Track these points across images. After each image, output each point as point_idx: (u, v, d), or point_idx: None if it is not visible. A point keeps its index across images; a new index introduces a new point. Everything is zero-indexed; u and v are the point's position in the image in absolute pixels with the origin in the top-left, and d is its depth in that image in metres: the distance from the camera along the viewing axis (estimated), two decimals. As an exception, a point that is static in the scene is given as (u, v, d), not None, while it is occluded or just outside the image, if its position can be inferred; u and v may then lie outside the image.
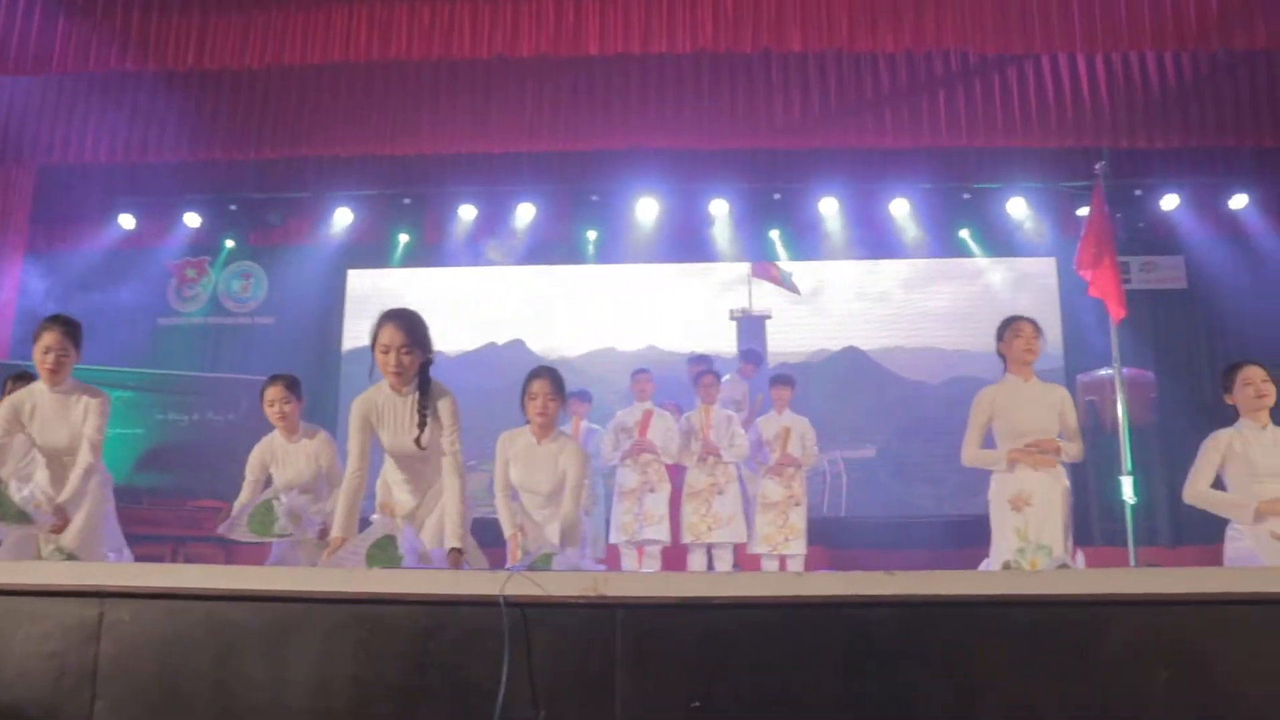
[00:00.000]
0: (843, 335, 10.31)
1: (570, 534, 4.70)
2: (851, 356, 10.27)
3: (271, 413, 5.28)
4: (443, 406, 4.17)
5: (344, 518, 4.06)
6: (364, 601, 2.99)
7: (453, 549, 3.96)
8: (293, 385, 5.33)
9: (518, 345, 10.23)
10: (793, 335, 10.30)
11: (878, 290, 10.41)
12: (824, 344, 10.29)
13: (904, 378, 10.17)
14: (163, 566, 3.19)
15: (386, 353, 4.06)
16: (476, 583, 2.99)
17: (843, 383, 10.18)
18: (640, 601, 2.95)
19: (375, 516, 4.49)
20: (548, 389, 4.71)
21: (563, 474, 4.74)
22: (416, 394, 4.15)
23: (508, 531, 4.72)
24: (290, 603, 3.01)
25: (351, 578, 3.10)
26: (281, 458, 5.32)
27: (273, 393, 5.29)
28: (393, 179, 10.20)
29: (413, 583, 3.04)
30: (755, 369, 8.72)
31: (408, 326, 4.09)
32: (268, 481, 5.35)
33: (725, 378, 8.29)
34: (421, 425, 4.12)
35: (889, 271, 10.41)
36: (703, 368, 7.98)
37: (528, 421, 4.79)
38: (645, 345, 10.21)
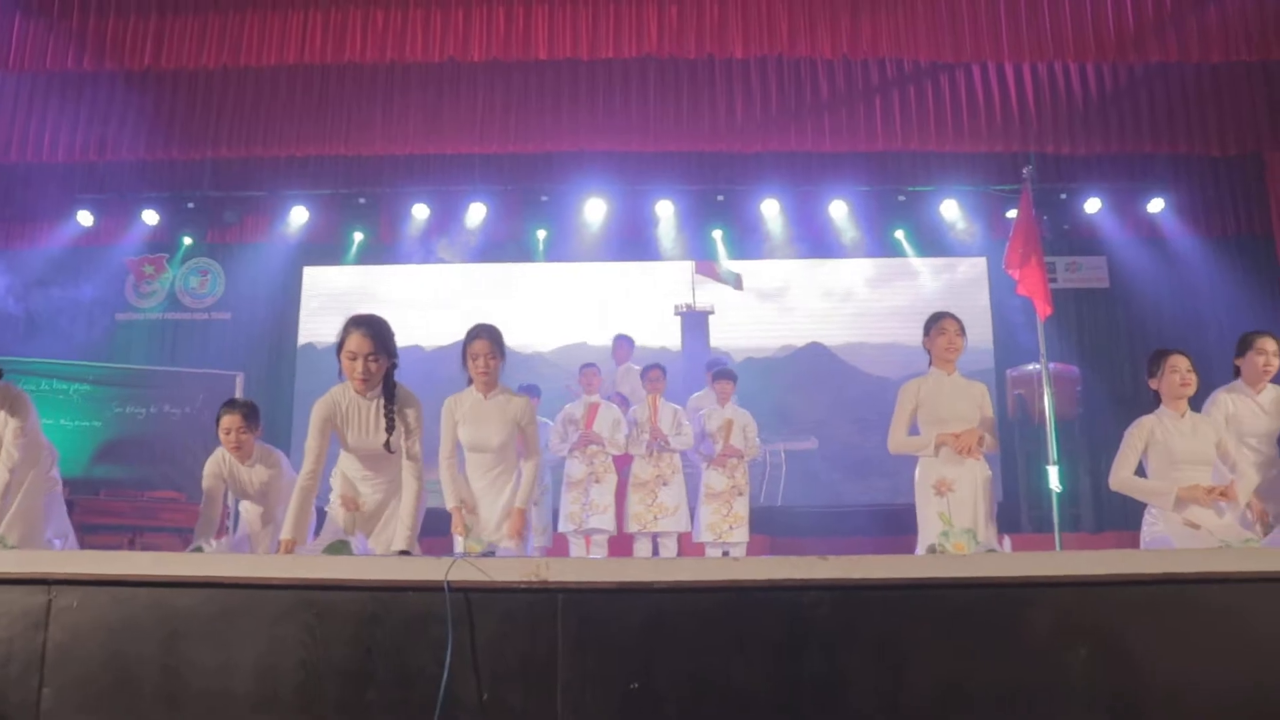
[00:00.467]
0: (809, 331, 10.27)
1: (526, 493, 4.72)
2: (815, 352, 10.24)
3: (227, 440, 5.00)
4: (409, 413, 4.16)
5: (295, 519, 3.99)
6: (311, 588, 2.93)
7: (400, 552, 3.91)
8: (250, 415, 5.05)
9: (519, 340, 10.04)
10: (759, 331, 10.25)
11: (843, 288, 10.39)
12: (790, 340, 10.27)
13: (866, 373, 10.13)
14: (110, 553, 3.11)
15: (354, 359, 4.04)
16: (421, 569, 2.95)
17: (806, 378, 10.15)
18: (582, 586, 2.92)
19: (331, 507, 4.42)
20: (487, 348, 4.71)
21: (513, 423, 4.75)
22: (381, 398, 4.13)
23: (451, 503, 4.68)
24: (237, 589, 2.95)
25: (298, 565, 3.04)
26: (235, 474, 5.12)
27: (229, 421, 5.00)
28: (348, 179, 10.10)
29: (359, 569, 2.98)
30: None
31: (374, 334, 4.07)
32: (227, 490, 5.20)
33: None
34: (390, 429, 4.11)
35: (854, 269, 10.40)
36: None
37: (470, 382, 4.79)
38: (654, 342, 10.12)
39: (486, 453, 4.77)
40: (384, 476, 4.33)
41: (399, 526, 4.08)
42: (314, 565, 3.03)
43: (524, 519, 4.73)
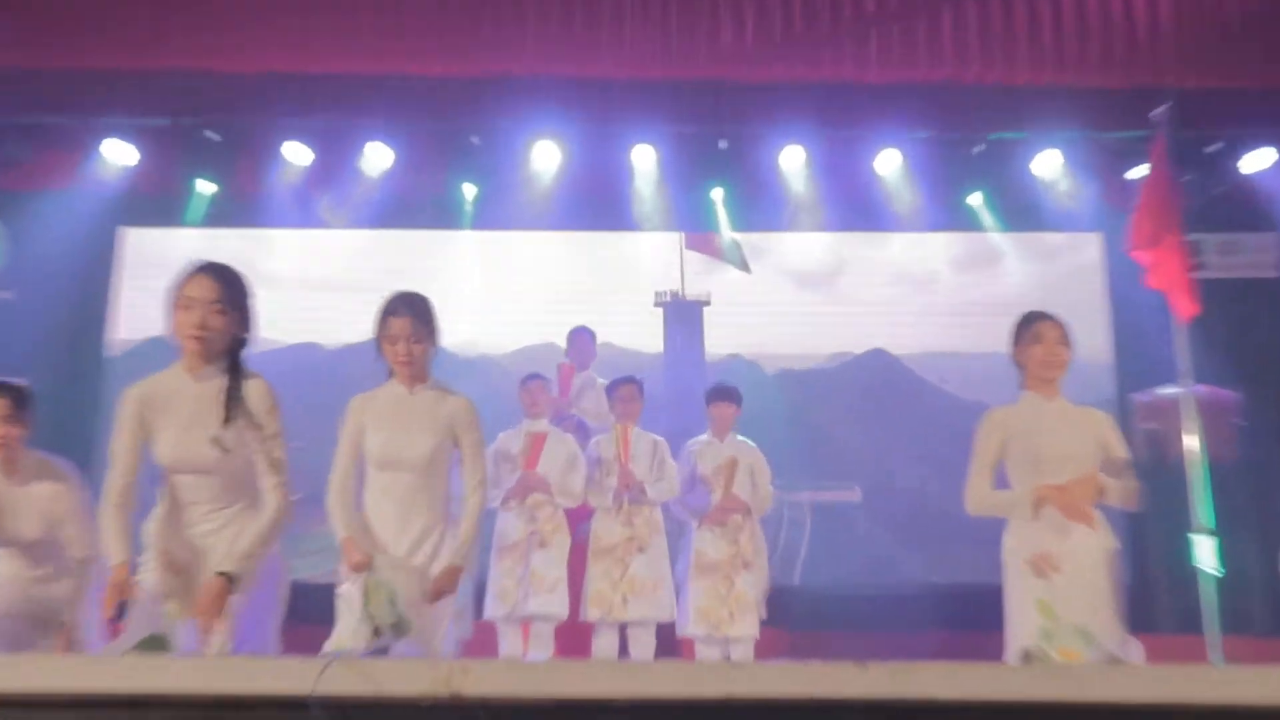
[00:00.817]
0: (873, 333, 10.32)
1: (467, 546, 4.73)
2: (879, 363, 10.27)
3: None
4: (254, 392, 4.10)
5: (114, 538, 3.95)
6: (115, 704, 2.84)
7: (220, 574, 3.81)
8: (21, 401, 4.96)
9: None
10: (797, 332, 10.27)
11: (923, 272, 10.44)
12: (845, 345, 10.31)
13: (950, 393, 10.15)
14: None
15: (189, 308, 3.96)
16: (279, 674, 2.86)
17: (860, 398, 10.18)
18: (513, 703, 2.84)
19: (144, 576, 4.23)
20: (408, 327, 4.71)
21: (446, 429, 4.76)
22: (223, 379, 4.07)
23: (340, 533, 4.66)
24: (9, 708, 2.86)
25: (101, 669, 2.95)
26: None
27: None
28: (191, 104, 9.92)
29: (187, 676, 2.89)
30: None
31: (224, 280, 4.07)
32: None
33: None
34: (227, 419, 4.03)
35: (937, 248, 10.47)
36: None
37: (390, 374, 4.83)
38: (625, 344, 10.11)
39: (404, 472, 4.73)
40: (221, 517, 4.20)
41: (238, 544, 4.00)
42: (122, 671, 2.94)
43: (457, 581, 4.72)
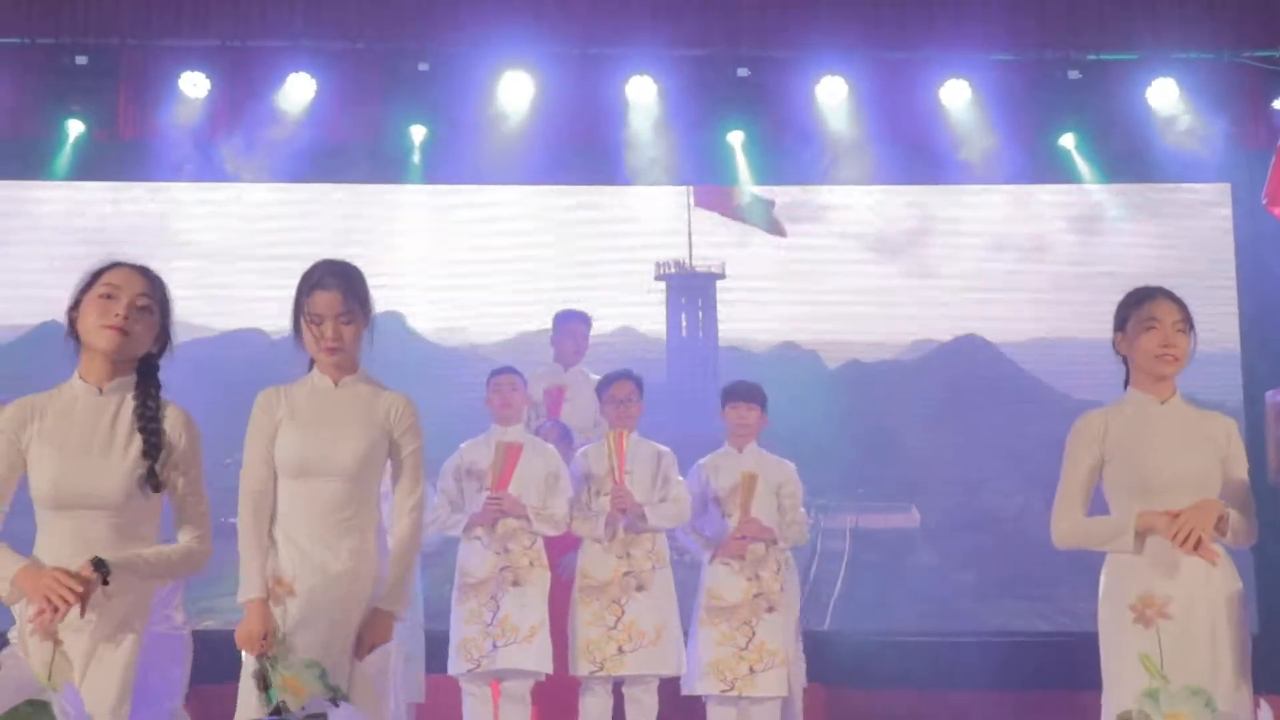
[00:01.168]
0: (963, 315, 10.37)
1: (400, 583, 4.59)
2: (971, 352, 10.31)
3: None
4: (177, 422, 4.00)
5: None
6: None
7: (95, 560, 3.64)
8: None
9: (392, 319, 9.75)
10: (863, 315, 10.32)
11: (1030, 234, 10.45)
12: (927, 330, 10.36)
13: (1057, 390, 10.12)
14: None
15: (113, 297, 3.88)
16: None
17: (948, 398, 10.23)
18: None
19: (18, 636, 4.19)
20: (338, 304, 4.56)
21: (379, 430, 4.64)
22: (129, 395, 3.97)
23: (250, 589, 4.46)
24: None
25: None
26: None
27: None
28: (55, 20, 9.97)
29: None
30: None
31: (149, 277, 4.01)
32: None
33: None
34: (154, 449, 3.91)
35: (1047, 202, 10.48)
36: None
37: (311, 365, 4.73)
38: (618, 327, 10.17)
39: (329, 479, 4.58)
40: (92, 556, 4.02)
41: (132, 555, 3.83)
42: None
43: (390, 630, 4.57)
